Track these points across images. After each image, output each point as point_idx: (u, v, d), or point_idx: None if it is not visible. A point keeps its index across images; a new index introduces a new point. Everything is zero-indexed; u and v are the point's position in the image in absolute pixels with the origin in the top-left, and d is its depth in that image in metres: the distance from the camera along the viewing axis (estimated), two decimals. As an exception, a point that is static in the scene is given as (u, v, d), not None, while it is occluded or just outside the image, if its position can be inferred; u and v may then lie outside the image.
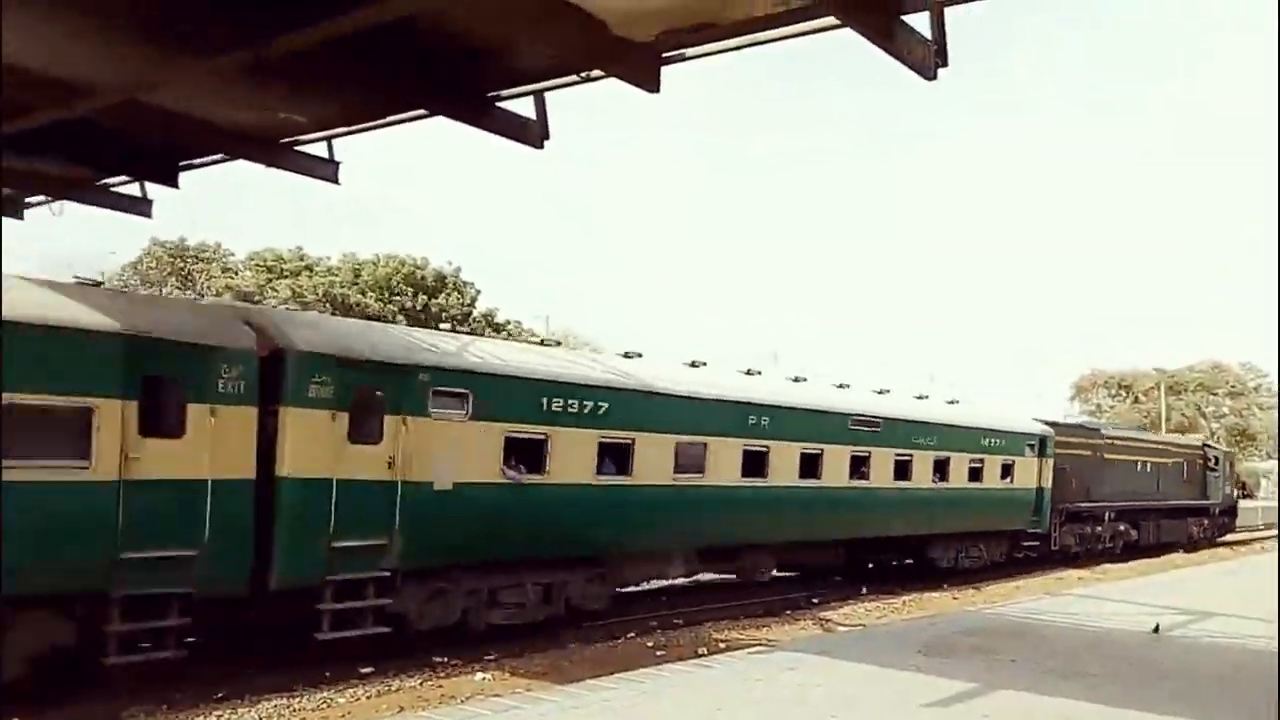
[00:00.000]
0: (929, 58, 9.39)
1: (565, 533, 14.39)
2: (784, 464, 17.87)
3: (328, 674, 11.67)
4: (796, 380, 19.87)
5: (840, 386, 21.14)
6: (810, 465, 18.55)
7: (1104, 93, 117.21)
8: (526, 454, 13.80)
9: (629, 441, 15.03)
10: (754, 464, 17.25)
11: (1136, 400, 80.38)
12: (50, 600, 9.93)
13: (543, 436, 13.92)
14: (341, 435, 11.72)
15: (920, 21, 9.31)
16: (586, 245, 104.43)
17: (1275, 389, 72.01)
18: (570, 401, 14.21)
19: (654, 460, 15.42)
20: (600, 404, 14.58)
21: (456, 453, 12.81)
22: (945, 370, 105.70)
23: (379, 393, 12.12)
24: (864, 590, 20.84)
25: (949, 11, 9.43)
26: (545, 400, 13.95)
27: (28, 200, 17.27)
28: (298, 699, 10.72)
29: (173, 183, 14.99)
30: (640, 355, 16.87)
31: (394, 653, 12.50)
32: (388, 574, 12.28)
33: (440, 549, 12.84)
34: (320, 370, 11.53)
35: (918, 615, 17.01)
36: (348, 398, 11.78)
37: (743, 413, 17.00)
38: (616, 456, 14.98)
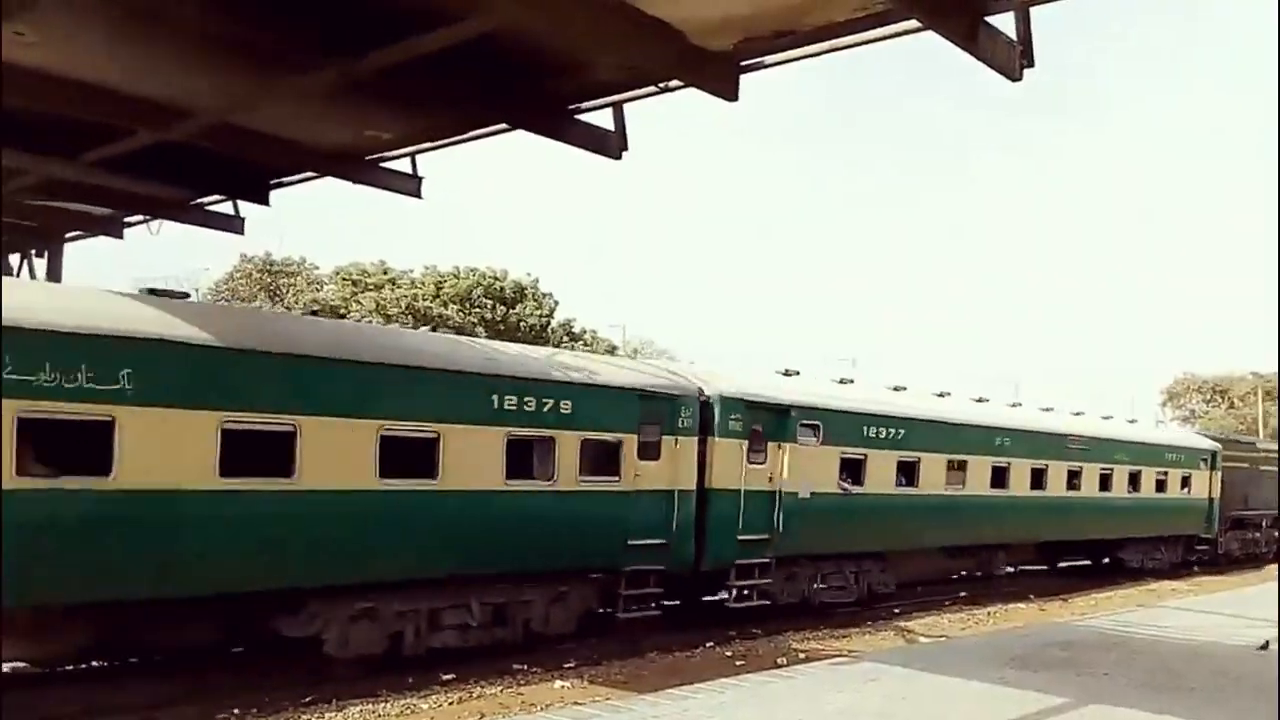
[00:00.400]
0: (1014, 59, 9.24)
1: (872, 532, 18.16)
2: (1019, 478, 21.62)
3: (410, 680, 11.88)
4: (980, 401, 23.10)
5: (1015, 405, 24.57)
6: (1037, 478, 22.23)
7: (1191, 90, 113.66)
8: (851, 470, 17.60)
9: (916, 459, 18.85)
10: (998, 477, 21.04)
11: (1232, 405, 77.47)
12: (588, 573, 14.12)
13: (862, 456, 17.78)
14: (743, 457, 15.64)
15: (1006, 22, 9.18)
16: (659, 253, 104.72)
17: None
18: (881, 429, 18.10)
19: (932, 474, 19.19)
20: (899, 430, 18.43)
21: (812, 470, 16.74)
22: (1029, 377, 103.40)
23: (765, 426, 16.11)
24: (943, 602, 20.57)
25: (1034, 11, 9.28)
26: (865, 428, 17.84)
27: (127, 220, 18.03)
28: (383, 704, 10.90)
29: (264, 201, 15.49)
30: (852, 380, 20.19)
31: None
32: (768, 560, 16.15)
33: (798, 543, 16.67)
34: (734, 410, 15.54)
35: (1004, 627, 16.65)
36: (747, 430, 15.74)
37: (991, 435, 20.94)
38: (906, 471, 18.73)
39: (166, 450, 9.94)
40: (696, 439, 15.00)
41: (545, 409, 13.10)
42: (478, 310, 47.17)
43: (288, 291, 49.05)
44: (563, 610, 13.91)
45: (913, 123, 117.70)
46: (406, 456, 11.73)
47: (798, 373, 18.44)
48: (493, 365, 12.95)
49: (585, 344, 48.63)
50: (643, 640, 14.55)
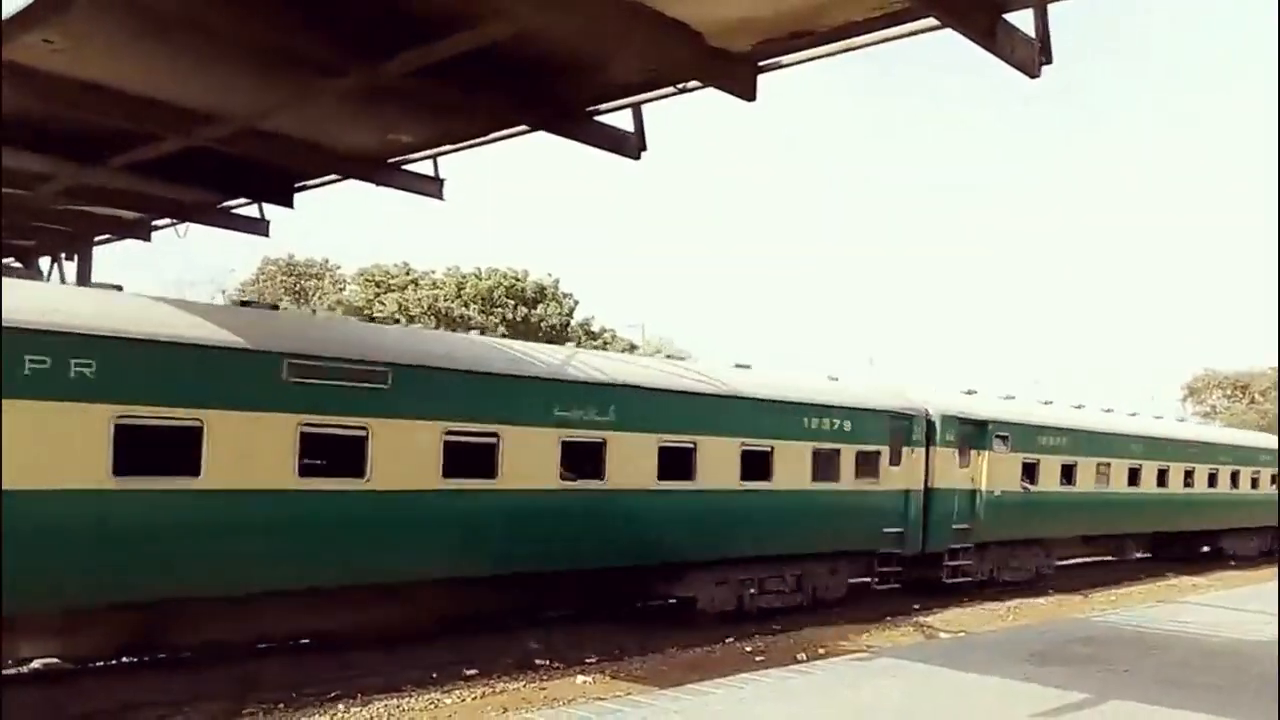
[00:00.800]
0: (1033, 56, 9.27)
1: (1042, 523, 22.41)
2: (1148, 477, 26.08)
3: (434, 675, 12.03)
4: (1107, 411, 27.33)
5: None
6: (1161, 477, 26.60)
7: (1218, 84, 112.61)
8: (1028, 472, 21.78)
9: (1074, 463, 23.18)
10: (1132, 477, 25.47)
11: (1253, 401, 76.61)
12: (854, 554, 18.19)
13: (1036, 461, 21.95)
14: (958, 463, 19.89)
15: (1024, 20, 9.21)
16: (677, 251, 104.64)
17: None
18: (1050, 438, 22.44)
19: (1085, 475, 23.65)
20: (1062, 439, 22.77)
21: (1002, 472, 20.86)
22: (1049, 374, 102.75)
23: (969, 437, 20.26)
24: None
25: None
26: (1038, 438, 22.09)
27: (154, 223, 18.29)
28: (406, 699, 11.03)
29: (288, 203, 15.68)
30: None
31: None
32: (970, 546, 20.19)
33: (992, 532, 20.74)
34: (950, 426, 19.74)
35: (1023, 623, 16.63)
36: (958, 440, 19.90)
37: (1128, 442, 25.37)
38: (1067, 473, 23.05)
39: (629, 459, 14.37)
40: (924, 449, 19.18)
41: (836, 428, 17.33)
42: (499, 310, 47.38)
43: (314, 293, 49.45)
44: (837, 580, 17.98)
45: (933, 120, 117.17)
46: (754, 466, 15.96)
47: (975, 391, 22.39)
48: (808, 395, 17.34)
49: (605, 343, 48.73)
50: (663, 636, 14.69)
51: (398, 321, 39.91)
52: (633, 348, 49.50)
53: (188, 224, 17.53)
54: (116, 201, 16.54)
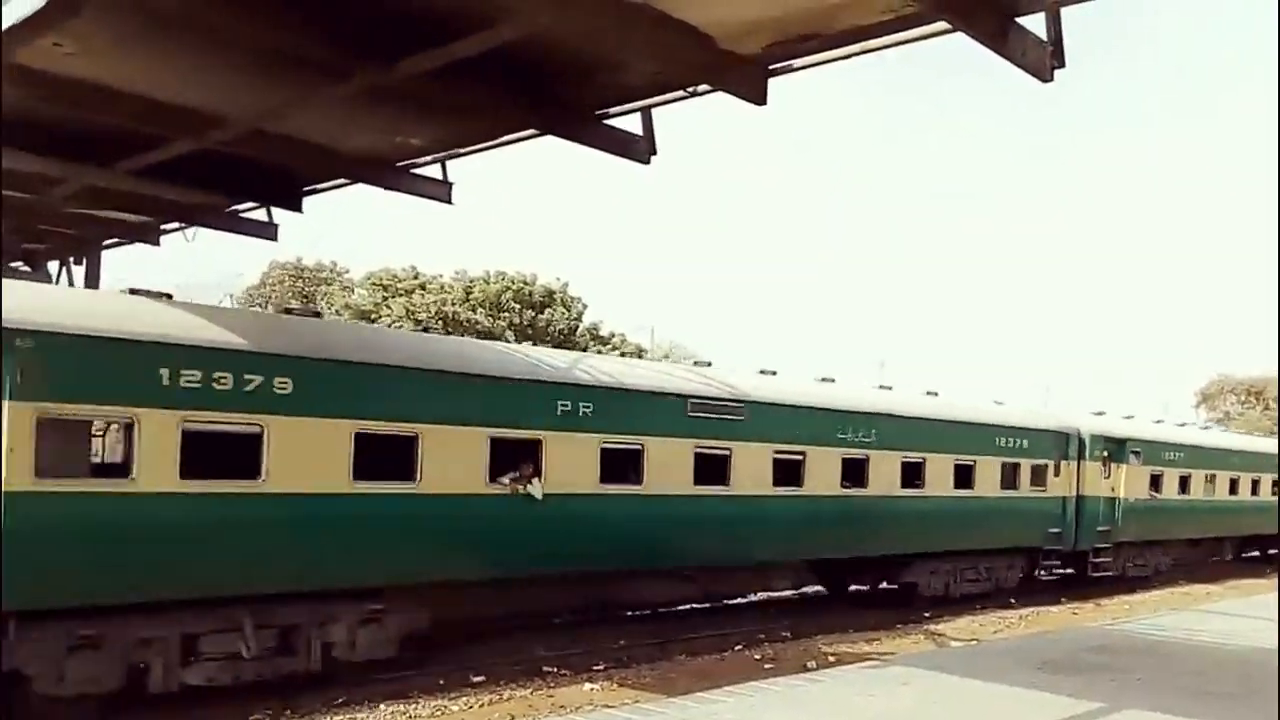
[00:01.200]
0: (1045, 59, 9.20)
1: (1165, 526, 25.86)
2: (1244, 486, 29.74)
3: (441, 682, 11.97)
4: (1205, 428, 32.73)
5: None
6: (1254, 487, 30.32)
7: (1231, 89, 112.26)
8: (1153, 483, 25.04)
9: (1189, 474, 26.66)
10: (1233, 487, 29.10)
11: (1267, 407, 76.23)
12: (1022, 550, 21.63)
13: (1160, 473, 25.34)
14: (1101, 474, 23.09)
15: (1036, 23, 9.15)
16: (685, 254, 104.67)
17: None
18: (1171, 453, 25.95)
19: (1197, 485, 27.06)
20: (1180, 454, 26.40)
21: (1134, 482, 24.13)
22: (1060, 380, 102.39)
23: (1109, 452, 23.44)
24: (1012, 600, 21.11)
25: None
26: (1163, 453, 25.63)
27: (163, 227, 18.31)
28: (413, 705, 10.96)
29: (296, 207, 15.67)
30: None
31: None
32: (1109, 545, 23.38)
33: (1126, 534, 23.99)
34: (1098, 444, 23.09)
35: (1035, 631, 16.50)
36: (1101, 455, 23.11)
37: (1228, 455, 29.16)
38: (1184, 483, 26.43)
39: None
40: (1076, 462, 22.41)
41: (1017, 445, 20.99)
42: (506, 315, 47.39)
43: (321, 297, 49.51)
44: (1011, 572, 21.43)
45: (941, 123, 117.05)
46: (962, 477, 19.55)
47: (1104, 412, 25.92)
48: (999, 418, 21.09)
49: (614, 347, 48.71)
50: (672, 641, 14.61)
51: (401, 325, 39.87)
52: (641, 352, 49.46)
53: (196, 228, 17.54)
54: (125, 205, 16.56)
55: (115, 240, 19.56)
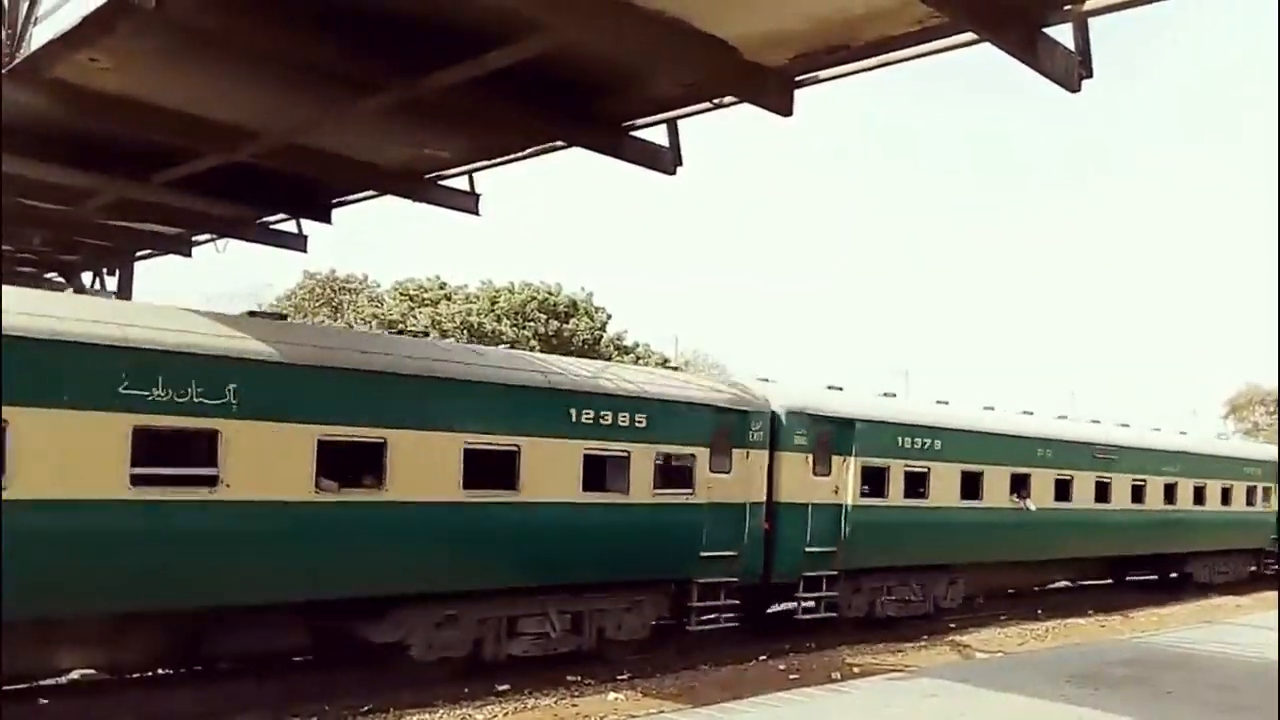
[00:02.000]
0: (1073, 70, 9.17)
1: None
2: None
3: (466, 690, 12.00)
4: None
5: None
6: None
7: (1248, 96, 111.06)
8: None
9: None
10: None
11: (1297, 418, 75.03)
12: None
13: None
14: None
15: (1064, 33, 9.12)
16: (710, 264, 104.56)
17: None
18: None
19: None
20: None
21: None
22: (1085, 389, 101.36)
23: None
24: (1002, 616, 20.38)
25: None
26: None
27: (195, 239, 18.54)
28: (437, 714, 11.02)
29: (326, 219, 15.83)
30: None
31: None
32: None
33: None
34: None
35: (1063, 643, 16.35)
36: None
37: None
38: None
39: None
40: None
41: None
42: (531, 325, 47.51)
43: (349, 307, 49.87)
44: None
45: (971, 134, 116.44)
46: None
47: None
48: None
49: (638, 357, 48.71)
50: (698, 651, 14.58)
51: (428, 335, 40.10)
52: (665, 361, 49.46)
53: (228, 239, 17.74)
54: (158, 217, 16.79)
55: (148, 251, 19.82)
